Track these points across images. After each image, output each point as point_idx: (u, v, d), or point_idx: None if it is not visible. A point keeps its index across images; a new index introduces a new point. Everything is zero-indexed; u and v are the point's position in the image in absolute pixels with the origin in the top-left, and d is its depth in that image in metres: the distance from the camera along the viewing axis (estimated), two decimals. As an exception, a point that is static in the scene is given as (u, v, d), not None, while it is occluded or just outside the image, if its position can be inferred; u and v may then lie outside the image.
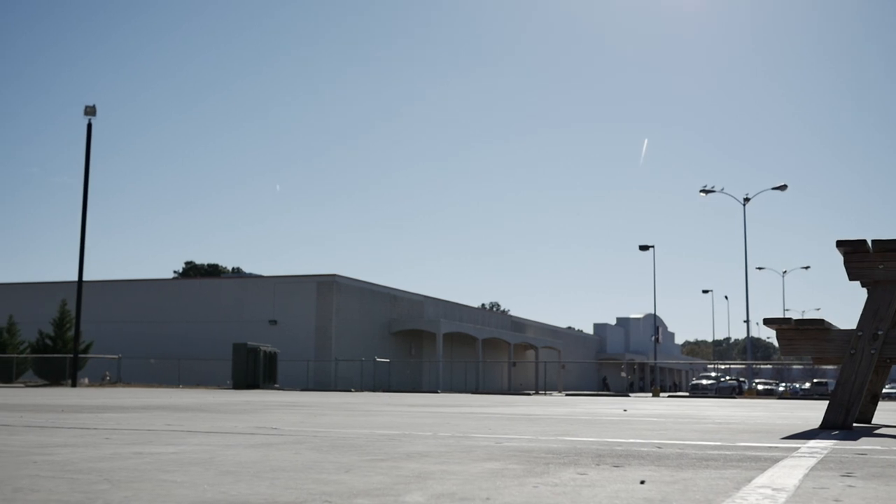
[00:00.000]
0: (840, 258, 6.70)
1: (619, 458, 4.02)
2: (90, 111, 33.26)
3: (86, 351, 38.15)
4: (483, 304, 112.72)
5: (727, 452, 4.43)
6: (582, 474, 3.28)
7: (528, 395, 34.46)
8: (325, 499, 2.61)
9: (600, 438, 5.47)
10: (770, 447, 4.87)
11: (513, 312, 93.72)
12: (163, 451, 4.22)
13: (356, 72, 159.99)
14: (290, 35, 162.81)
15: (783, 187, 50.75)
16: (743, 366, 68.64)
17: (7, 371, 38.63)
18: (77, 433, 5.50)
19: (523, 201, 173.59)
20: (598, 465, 3.67)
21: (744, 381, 52.95)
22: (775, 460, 3.96)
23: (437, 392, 36.85)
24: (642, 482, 3.03)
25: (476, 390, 46.06)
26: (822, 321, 6.81)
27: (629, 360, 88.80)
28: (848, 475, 3.32)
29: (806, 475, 3.30)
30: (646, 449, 4.60)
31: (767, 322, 6.87)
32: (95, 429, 5.98)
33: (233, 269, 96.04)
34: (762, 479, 3.17)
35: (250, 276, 62.11)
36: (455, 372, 57.51)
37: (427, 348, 58.23)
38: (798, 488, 2.90)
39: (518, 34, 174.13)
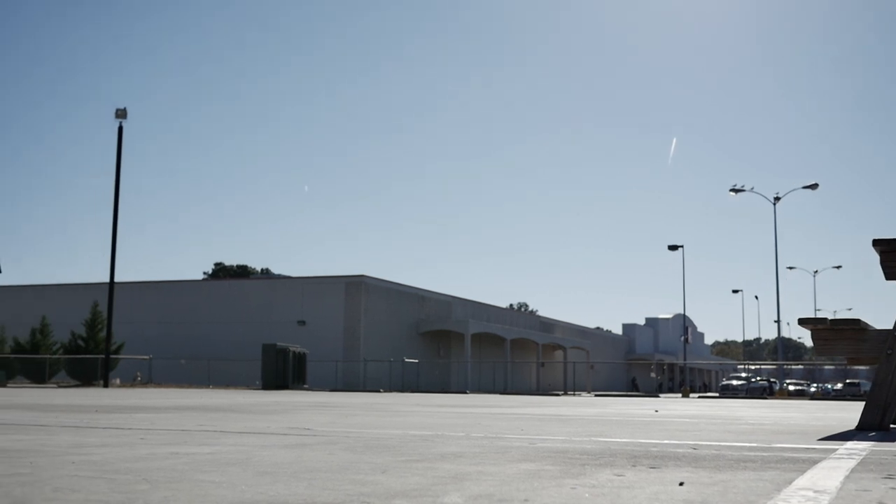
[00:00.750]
0: (875, 257, 6.62)
1: (655, 459, 3.99)
2: (121, 114, 33.55)
3: (117, 352, 38.48)
4: (511, 305, 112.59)
5: (764, 454, 4.38)
6: (619, 475, 3.26)
7: (557, 395, 34.38)
8: (364, 500, 2.61)
9: (634, 439, 5.44)
10: (807, 448, 4.82)
11: (541, 313, 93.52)
12: (198, 451, 4.24)
13: (385, 71, 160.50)
14: (320, 34, 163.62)
15: (814, 186, 50.29)
16: (774, 366, 68.09)
17: (40, 371, 39.05)
18: (112, 433, 5.54)
19: (551, 201, 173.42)
20: (634, 466, 3.64)
21: (775, 382, 52.55)
22: (814, 462, 3.92)
23: (465, 393, 36.84)
24: (681, 484, 3.01)
25: (504, 391, 46.02)
26: (857, 321, 6.73)
27: (658, 361, 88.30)
28: (890, 477, 3.27)
29: (847, 477, 3.26)
30: (681, 450, 4.57)
31: (802, 322, 6.80)
32: (130, 429, 6.03)
33: (261, 269, 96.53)
34: (802, 480, 3.14)
35: (279, 276, 62.40)
36: (483, 372, 57.44)
37: (455, 349, 58.22)
38: (840, 490, 2.86)
39: (546, 35, 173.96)
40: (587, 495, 2.73)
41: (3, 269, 15.77)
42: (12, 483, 2.91)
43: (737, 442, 5.33)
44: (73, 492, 2.74)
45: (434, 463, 3.69)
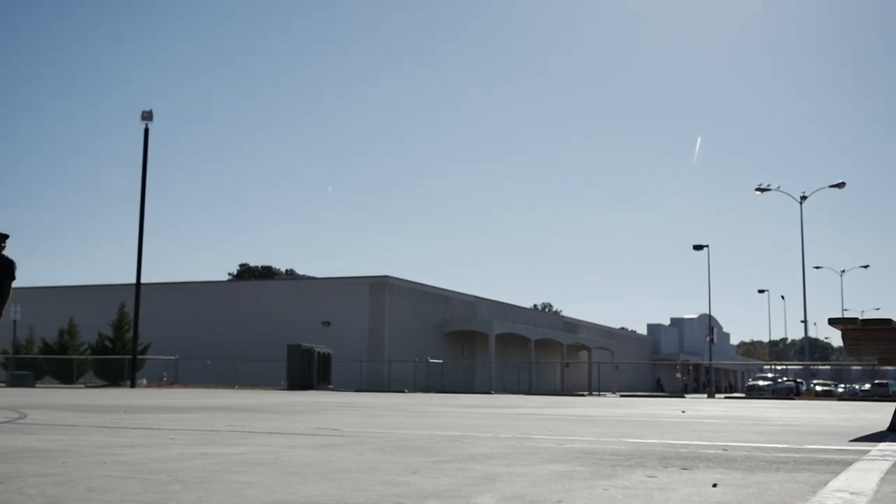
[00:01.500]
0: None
1: (685, 460, 3.97)
2: (147, 116, 33.74)
3: (144, 352, 38.72)
4: (535, 305, 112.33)
5: (796, 455, 4.35)
6: (651, 477, 3.24)
7: (582, 396, 34.26)
8: (396, 500, 2.61)
9: (663, 440, 5.41)
10: (839, 450, 4.77)
11: (565, 313, 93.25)
12: (228, 451, 4.26)
13: (411, 71, 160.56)
14: (344, 34, 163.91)
15: (841, 185, 49.82)
16: (800, 366, 67.54)
17: (68, 372, 39.35)
18: (142, 433, 5.58)
19: (576, 202, 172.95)
20: (665, 467, 3.62)
21: (801, 382, 52.05)
22: (847, 463, 3.88)
23: (490, 393, 36.79)
24: (714, 485, 2.98)
25: (529, 391, 45.94)
26: (889, 321, 6.66)
27: (683, 361, 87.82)
28: (926, 479, 3.23)
29: (882, 479, 3.23)
30: (712, 451, 4.53)
31: (833, 322, 6.73)
32: (159, 429, 6.06)
33: (286, 270, 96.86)
34: (837, 482, 3.10)
35: (303, 277, 62.57)
36: (507, 373, 57.32)
37: (479, 349, 58.13)
38: (876, 493, 2.83)
39: (572, 36, 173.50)
40: (620, 497, 2.72)
41: (17, 318, 15.26)
42: (46, 483, 2.93)
43: (767, 443, 5.29)
44: (108, 492, 2.75)
45: (464, 464, 3.69)
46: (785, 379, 54.99)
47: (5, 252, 14.12)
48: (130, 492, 2.76)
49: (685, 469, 3.53)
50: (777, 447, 4.91)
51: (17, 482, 2.94)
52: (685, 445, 4.94)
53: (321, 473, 3.27)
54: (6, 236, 15.26)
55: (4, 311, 15.34)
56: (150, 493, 2.73)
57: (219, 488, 2.85)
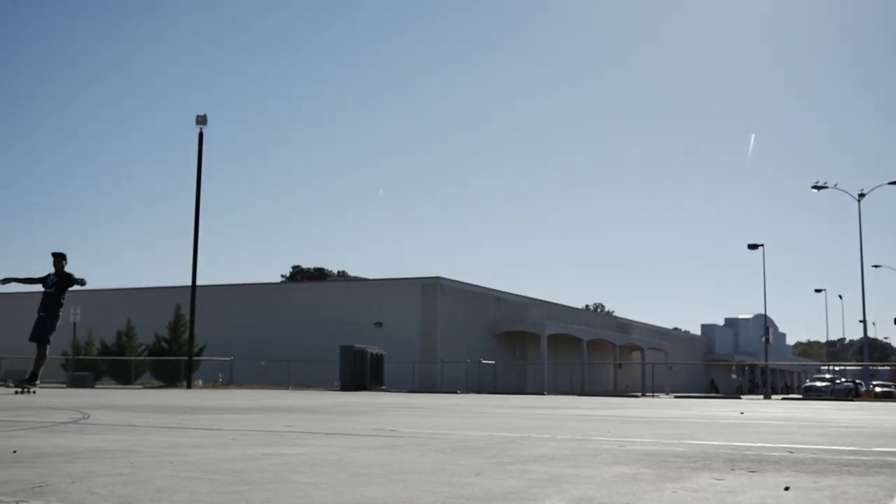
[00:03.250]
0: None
1: (752, 462, 3.90)
2: (201, 120, 34.15)
3: (200, 353, 39.19)
4: (587, 306, 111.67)
5: (865, 458, 4.25)
6: (719, 479, 3.18)
7: (636, 396, 33.98)
8: (463, 503, 2.60)
9: (726, 442, 5.33)
10: (910, 453, 4.66)
11: (618, 313, 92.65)
12: (290, 452, 4.28)
13: (461, 70, 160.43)
14: (392, 34, 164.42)
15: (900, 182, 48.85)
16: (859, 367, 66.30)
17: (126, 373, 39.98)
18: (203, 434, 5.63)
19: (628, 201, 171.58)
20: (732, 469, 3.56)
21: (860, 383, 51.11)
22: (920, 467, 3.79)
23: (542, 394, 36.65)
24: (786, 489, 2.93)
25: (581, 392, 45.68)
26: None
27: (738, 362, 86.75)
28: None
29: (960, 483, 3.14)
30: (777, 454, 4.46)
31: (899, 322, 6.58)
32: (219, 430, 6.11)
33: (338, 272, 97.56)
34: (913, 486, 3.03)
35: (355, 279, 62.97)
36: (559, 374, 57.09)
37: (531, 350, 57.97)
38: (956, 497, 2.76)
39: (620, 35, 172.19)
40: (690, 500, 2.68)
41: (87, 281, 16.30)
42: (116, 483, 2.97)
43: (833, 445, 5.19)
44: (176, 492, 2.78)
45: (527, 465, 3.66)
46: (843, 380, 53.98)
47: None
48: (199, 492, 2.78)
49: (753, 472, 3.47)
50: (844, 450, 4.82)
51: (88, 482, 2.98)
52: (749, 447, 4.86)
53: (385, 474, 3.27)
54: (63, 255, 16.11)
55: (60, 319, 16.12)
56: (218, 494, 2.75)
57: (285, 489, 2.87)
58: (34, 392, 15.70)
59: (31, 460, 3.70)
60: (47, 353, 16.04)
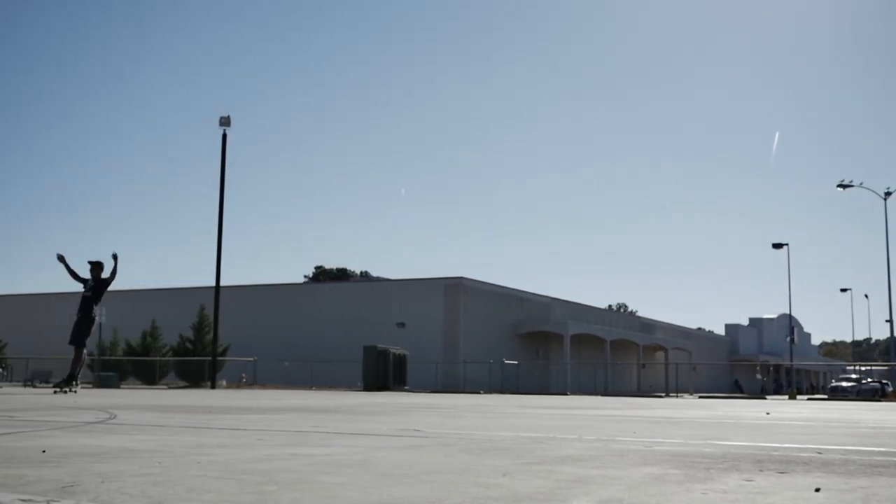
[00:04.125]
0: None
1: (780, 463, 3.87)
2: (225, 122, 34.34)
3: (224, 354, 39.40)
4: (610, 306, 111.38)
5: (896, 459, 4.21)
6: (748, 481, 3.16)
7: (660, 397, 33.83)
8: (491, 503, 2.59)
9: (753, 443, 5.29)
10: (941, 454, 4.61)
11: (641, 313, 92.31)
12: (316, 452, 4.29)
13: (483, 70, 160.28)
14: (413, 35, 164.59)
15: (927, 180, 48.50)
16: (886, 367, 65.68)
17: (150, 373, 40.27)
18: (230, 434, 5.66)
19: (650, 201, 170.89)
20: (761, 470, 3.53)
21: (887, 384, 50.63)
22: (952, 468, 3.74)
23: (565, 394, 36.56)
24: (817, 490, 2.90)
25: (605, 392, 45.54)
26: None
27: (763, 362, 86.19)
28: None
29: None
30: (806, 454, 4.42)
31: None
32: (245, 430, 6.14)
33: (360, 272, 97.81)
34: (946, 488, 2.99)
35: (378, 279, 63.08)
36: (582, 374, 56.93)
37: (554, 350, 57.86)
38: None
39: (642, 36, 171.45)
40: (720, 501, 2.66)
41: (116, 259, 17.02)
42: (146, 483, 2.99)
43: (862, 446, 5.14)
44: (206, 492, 2.79)
45: (554, 466, 3.65)
46: (869, 380, 53.52)
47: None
48: (227, 492, 2.79)
49: (782, 473, 3.44)
50: (874, 451, 4.77)
51: (118, 482, 3.00)
52: (776, 448, 4.82)
53: (412, 475, 3.27)
54: (100, 264, 16.92)
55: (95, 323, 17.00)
56: (246, 494, 2.76)
57: (313, 489, 2.87)
58: (75, 391, 16.45)
59: (60, 460, 3.72)
60: (84, 355, 17.00)
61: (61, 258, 16.76)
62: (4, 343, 47.70)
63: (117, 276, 17.02)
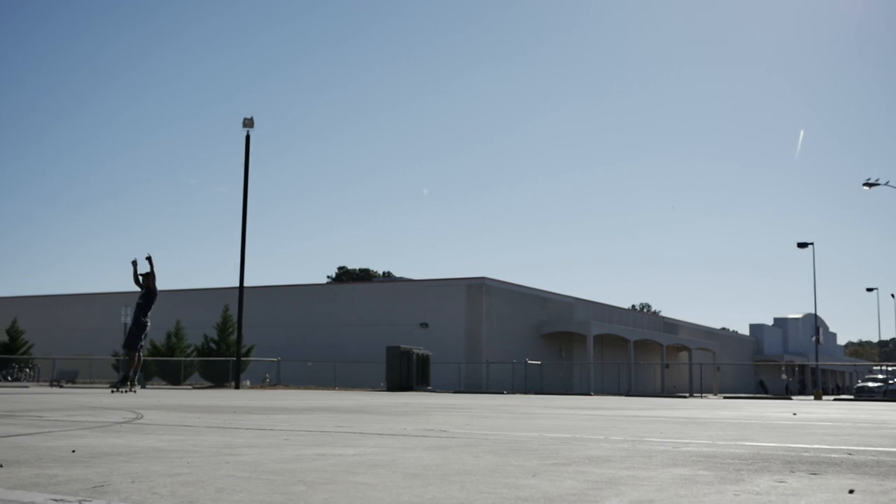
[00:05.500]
0: None
1: (811, 464, 3.84)
2: (248, 123, 34.48)
3: (248, 354, 39.53)
4: (633, 306, 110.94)
5: (928, 460, 4.16)
6: (780, 482, 3.13)
7: (684, 397, 33.65)
8: (522, 504, 2.58)
9: (782, 444, 5.25)
10: (974, 455, 4.55)
11: (664, 313, 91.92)
12: (344, 452, 4.29)
13: (505, 70, 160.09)
14: (435, 36, 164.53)
15: (955, 178, 47.94)
16: (913, 367, 65.00)
17: (175, 373, 40.46)
18: (257, 434, 5.67)
19: (673, 200, 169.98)
20: (792, 472, 3.50)
21: (914, 384, 50.14)
22: None
23: (589, 394, 36.46)
24: (851, 491, 2.87)
25: (628, 393, 45.39)
26: None
27: (788, 362, 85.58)
28: None
29: None
30: (836, 455, 4.38)
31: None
32: (272, 430, 6.15)
33: (383, 273, 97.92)
34: (982, 490, 2.95)
35: (401, 279, 63.11)
36: (606, 374, 56.75)
37: (577, 350, 57.68)
38: None
39: (662, 37, 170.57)
40: (752, 503, 2.63)
41: (150, 259, 18.39)
42: (176, 483, 3.00)
43: (893, 447, 5.09)
44: (236, 492, 2.79)
45: (582, 466, 3.63)
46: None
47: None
48: (257, 492, 2.80)
49: (814, 474, 3.41)
50: (905, 452, 4.72)
51: (148, 482, 3.01)
52: (806, 449, 4.78)
53: (441, 475, 3.26)
54: (148, 275, 18.02)
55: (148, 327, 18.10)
56: (277, 494, 2.76)
57: (342, 490, 2.87)
58: (135, 391, 18.07)
59: (90, 460, 3.75)
60: (137, 357, 18.39)
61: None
62: (31, 344, 48.08)
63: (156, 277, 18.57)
